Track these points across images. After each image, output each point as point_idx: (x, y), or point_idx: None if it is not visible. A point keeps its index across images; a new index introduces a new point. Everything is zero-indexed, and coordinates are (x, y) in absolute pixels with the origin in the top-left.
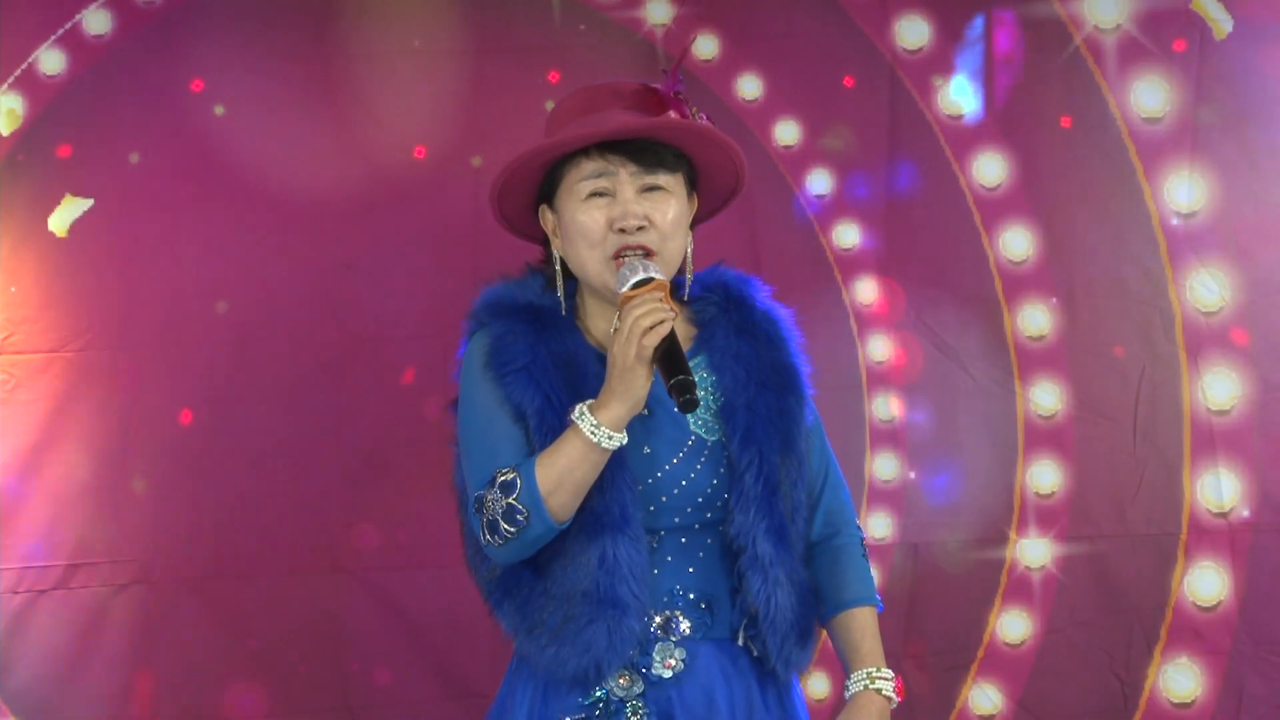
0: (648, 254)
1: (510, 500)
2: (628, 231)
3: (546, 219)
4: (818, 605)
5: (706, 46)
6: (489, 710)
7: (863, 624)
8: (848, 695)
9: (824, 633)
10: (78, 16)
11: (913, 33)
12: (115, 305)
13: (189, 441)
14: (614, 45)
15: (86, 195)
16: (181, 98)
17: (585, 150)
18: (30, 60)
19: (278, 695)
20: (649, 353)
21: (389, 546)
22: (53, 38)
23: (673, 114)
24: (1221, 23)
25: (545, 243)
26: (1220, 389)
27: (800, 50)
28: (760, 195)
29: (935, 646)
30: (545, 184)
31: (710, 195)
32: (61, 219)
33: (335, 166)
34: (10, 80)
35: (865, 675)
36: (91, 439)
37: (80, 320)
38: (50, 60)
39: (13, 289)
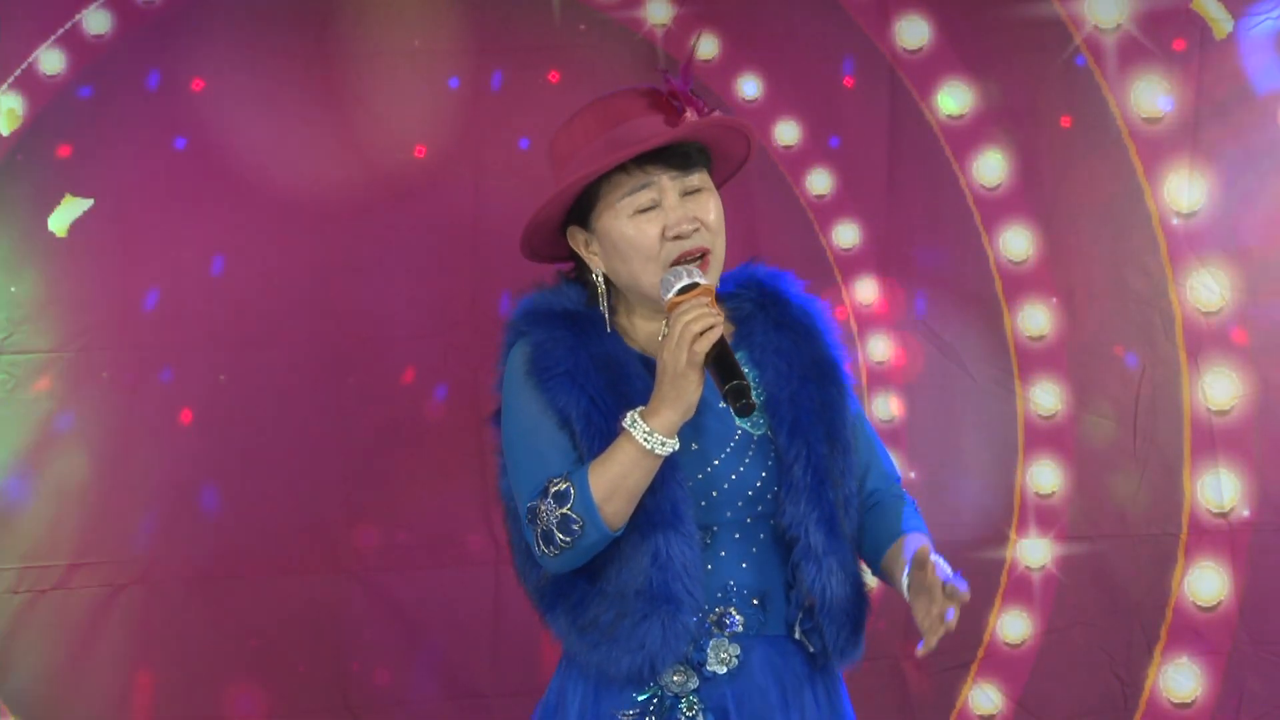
0: (704, 255)
1: (565, 510)
2: (684, 237)
3: (577, 239)
4: (875, 554)
5: (707, 46)
6: (535, 710)
7: (917, 539)
8: (904, 584)
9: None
10: (78, 16)
11: (913, 33)
12: (115, 305)
13: (189, 441)
14: (614, 45)
15: (86, 195)
16: (182, 97)
17: (622, 165)
18: (30, 60)
19: (278, 695)
20: (700, 358)
21: (389, 546)
22: (53, 37)
23: (690, 111)
24: (1221, 22)
25: (575, 259)
26: (1220, 389)
27: (800, 50)
28: (760, 195)
29: (935, 646)
30: (575, 210)
31: (721, 176)
32: (61, 219)
33: (335, 166)
34: (10, 80)
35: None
36: (92, 439)
37: (80, 320)
38: (50, 60)
39: (13, 289)
